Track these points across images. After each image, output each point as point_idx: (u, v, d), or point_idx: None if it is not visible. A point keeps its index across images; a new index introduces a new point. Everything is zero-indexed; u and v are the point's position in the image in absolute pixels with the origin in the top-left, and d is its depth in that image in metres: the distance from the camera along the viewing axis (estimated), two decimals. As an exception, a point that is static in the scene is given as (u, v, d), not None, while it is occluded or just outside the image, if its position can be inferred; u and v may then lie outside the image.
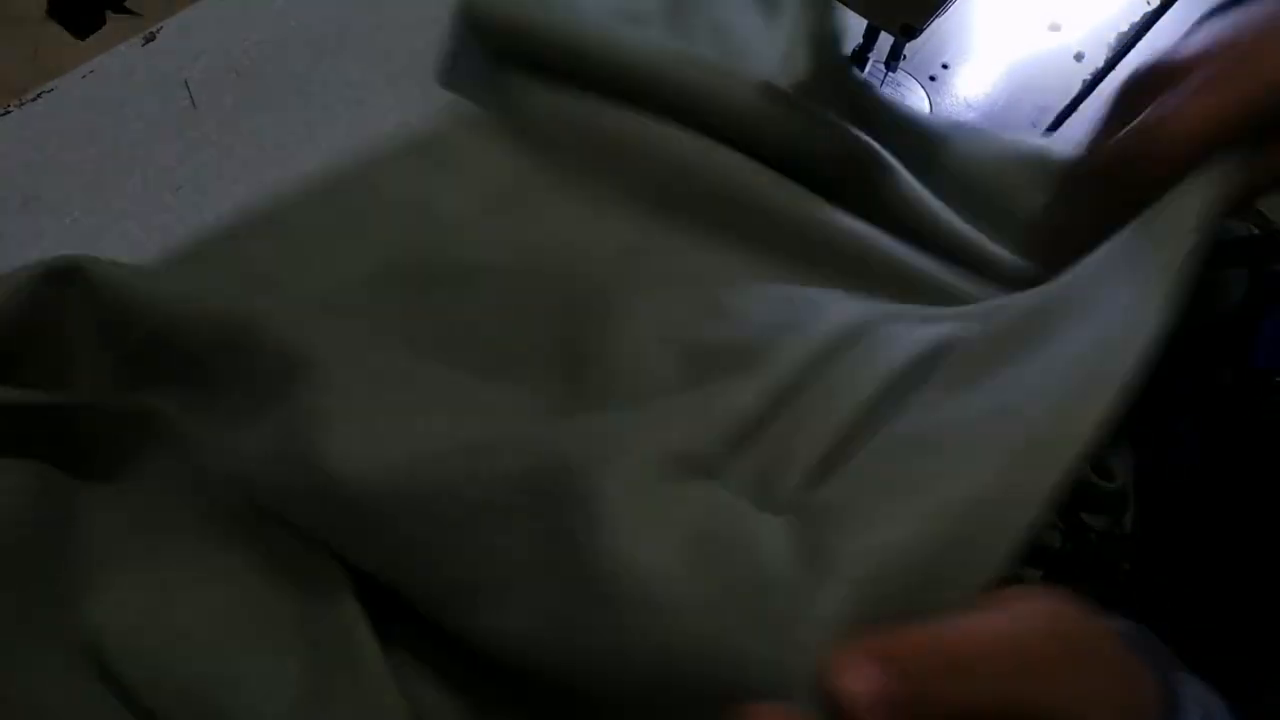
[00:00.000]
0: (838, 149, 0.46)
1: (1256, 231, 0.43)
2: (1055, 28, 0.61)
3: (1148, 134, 0.34)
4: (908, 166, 0.46)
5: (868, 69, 0.54)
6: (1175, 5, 0.64)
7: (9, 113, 0.52)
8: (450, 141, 0.49)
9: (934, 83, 0.59)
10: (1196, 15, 0.63)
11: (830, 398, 0.34)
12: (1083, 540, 0.45)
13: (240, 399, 0.38)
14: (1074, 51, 0.61)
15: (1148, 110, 0.34)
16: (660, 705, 0.28)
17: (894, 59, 0.53)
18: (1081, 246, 0.34)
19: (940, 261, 0.43)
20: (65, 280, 0.38)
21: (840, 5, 0.47)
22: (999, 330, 0.35)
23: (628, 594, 0.28)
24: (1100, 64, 0.61)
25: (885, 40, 0.51)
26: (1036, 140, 0.50)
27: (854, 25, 0.51)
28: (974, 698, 0.22)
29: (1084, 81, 0.60)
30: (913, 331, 0.36)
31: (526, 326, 0.42)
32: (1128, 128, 0.35)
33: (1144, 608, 0.33)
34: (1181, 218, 0.31)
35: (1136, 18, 0.63)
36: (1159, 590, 0.37)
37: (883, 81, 0.57)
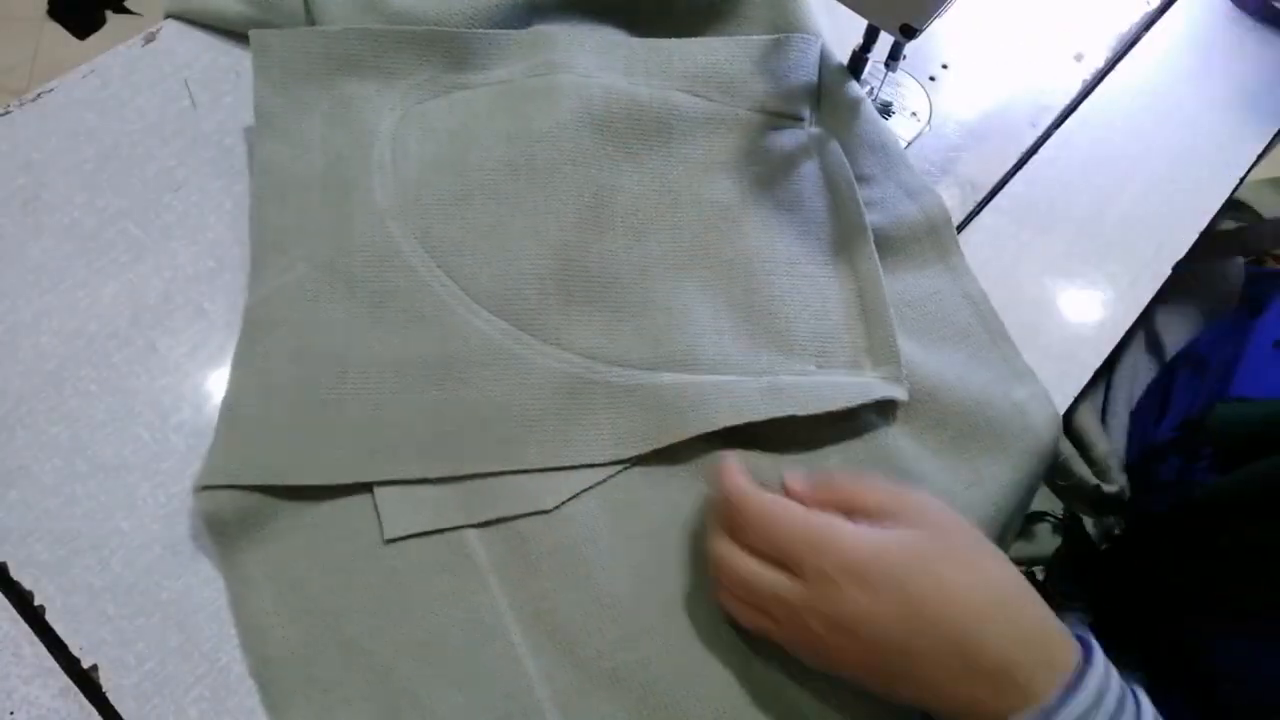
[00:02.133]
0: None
1: (1243, 224, 0.43)
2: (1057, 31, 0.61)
3: None
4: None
5: (867, 69, 0.54)
6: (1175, 5, 0.64)
7: (9, 113, 0.52)
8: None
9: (934, 83, 0.59)
10: (1196, 15, 0.63)
11: None
12: (1077, 537, 0.45)
13: None
14: (1074, 51, 0.61)
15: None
16: None
17: (894, 59, 0.53)
18: None
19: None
20: None
21: (842, 7, 0.48)
22: None
23: None
24: (1100, 64, 0.61)
25: (885, 40, 0.51)
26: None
27: (854, 25, 0.51)
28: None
29: (1084, 81, 0.60)
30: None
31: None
32: None
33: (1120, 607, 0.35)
34: None
35: (1136, 18, 0.63)
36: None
37: (883, 81, 0.57)
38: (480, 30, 0.51)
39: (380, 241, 0.45)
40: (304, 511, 0.42)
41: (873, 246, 0.49)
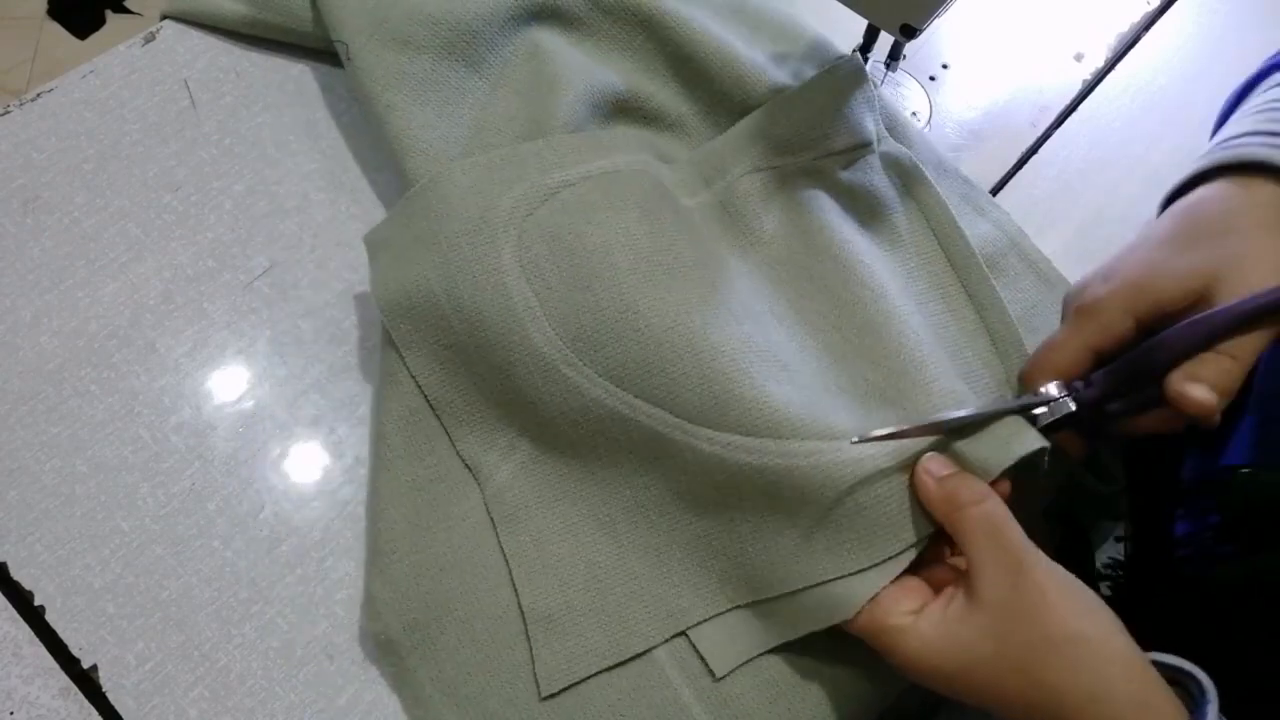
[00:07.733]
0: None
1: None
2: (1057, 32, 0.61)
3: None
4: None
5: (867, 69, 0.54)
6: (1175, 5, 0.64)
7: (9, 113, 0.52)
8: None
9: (934, 83, 0.59)
10: (1196, 15, 0.63)
11: None
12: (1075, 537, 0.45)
13: None
14: (1074, 51, 0.61)
15: None
16: None
17: (894, 59, 0.53)
18: None
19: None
20: None
21: (842, 8, 0.47)
22: None
23: None
24: (1100, 64, 0.61)
25: (885, 40, 0.51)
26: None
27: (854, 25, 0.51)
28: None
29: (1084, 81, 0.60)
30: None
31: None
32: None
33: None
34: None
35: (1136, 18, 0.63)
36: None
37: (883, 81, 0.57)
38: (566, 134, 0.47)
39: (570, 396, 0.42)
40: (471, 623, 0.41)
41: (985, 269, 0.48)
